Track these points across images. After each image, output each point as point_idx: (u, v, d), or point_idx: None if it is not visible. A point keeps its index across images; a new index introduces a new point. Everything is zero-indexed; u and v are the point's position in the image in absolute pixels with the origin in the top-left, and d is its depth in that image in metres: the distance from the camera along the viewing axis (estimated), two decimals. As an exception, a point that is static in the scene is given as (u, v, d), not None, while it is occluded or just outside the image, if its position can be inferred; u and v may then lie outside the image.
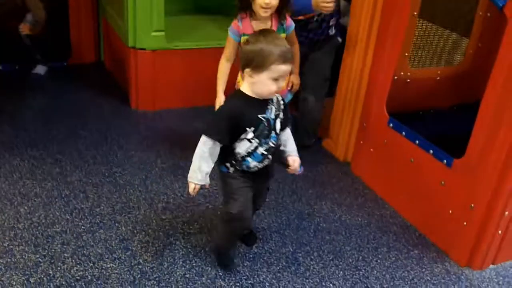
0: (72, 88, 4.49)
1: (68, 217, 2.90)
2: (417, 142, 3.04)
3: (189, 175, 2.43)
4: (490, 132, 2.60)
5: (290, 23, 3.01)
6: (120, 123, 3.97)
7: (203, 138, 2.37)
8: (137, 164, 3.45)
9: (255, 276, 2.64)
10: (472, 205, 2.75)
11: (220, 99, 2.98)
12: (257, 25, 2.88)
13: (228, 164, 2.47)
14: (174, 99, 4.23)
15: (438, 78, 3.70)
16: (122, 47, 4.16)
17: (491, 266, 2.93)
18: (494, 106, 2.57)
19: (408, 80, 3.51)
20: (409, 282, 2.74)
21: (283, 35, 2.97)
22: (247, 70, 2.25)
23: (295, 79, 3.26)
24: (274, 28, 2.93)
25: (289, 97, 3.28)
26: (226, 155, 2.43)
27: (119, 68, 4.50)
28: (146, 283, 2.51)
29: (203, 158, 2.40)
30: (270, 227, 3.01)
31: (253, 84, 2.27)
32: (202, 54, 4.04)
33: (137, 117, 4.08)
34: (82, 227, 2.84)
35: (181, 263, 2.66)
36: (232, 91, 2.61)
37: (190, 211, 3.06)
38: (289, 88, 3.24)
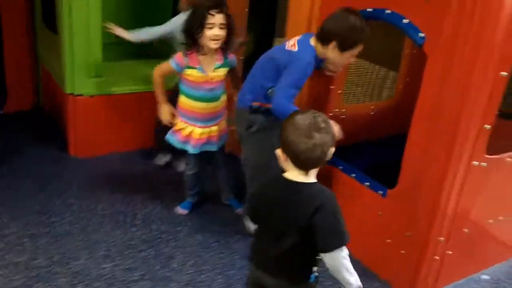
0: (9, 135, 4.38)
1: (1, 272, 2.81)
2: (353, 175, 3.12)
3: None
4: (419, 162, 2.70)
5: (233, 57, 3.18)
6: (60, 171, 3.90)
7: (345, 251, 1.92)
8: (76, 213, 3.39)
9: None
10: (408, 233, 2.82)
11: (166, 108, 3.18)
12: (204, 59, 3.04)
13: (315, 268, 2.07)
14: (114, 143, 4.19)
15: (372, 112, 3.82)
16: (60, 93, 4.12)
17: (432, 292, 3.00)
18: (421, 137, 2.68)
19: (343, 116, 3.60)
20: (353, 314, 2.76)
21: (226, 69, 3.12)
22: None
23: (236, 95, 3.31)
24: (219, 62, 3.09)
25: (222, 142, 3.37)
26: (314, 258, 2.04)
27: (58, 114, 4.44)
28: (88, 335, 2.46)
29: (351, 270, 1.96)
30: (214, 268, 3.00)
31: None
32: (140, 98, 4.04)
33: (76, 164, 4.02)
34: (18, 282, 2.75)
35: (123, 312, 2.62)
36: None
37: (131, 258, 3.01)
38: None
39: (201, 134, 3.18)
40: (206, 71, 3.06)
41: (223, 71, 3.13)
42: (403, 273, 2.93)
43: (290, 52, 2.79)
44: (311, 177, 1.94)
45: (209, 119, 3.19)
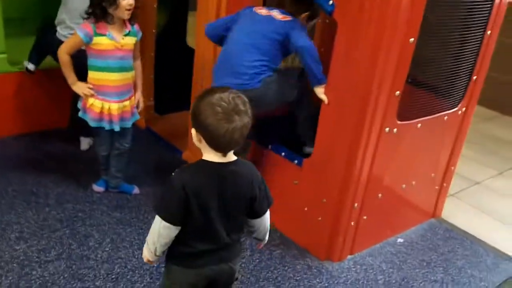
0: None
1: None
2: (269, 146, 3.13)
3: None
4: (332, 130, 2.75)
5: (138, 27, 3.11)
6: (-35, 154, 3.71)
7: None
8: (-16, 196, 3.24)
9: (119, 297, 2.58)
10: (324, 200, 2.88)
11: (81, 84, 3.07)
12: (113, 28, 2.97)
13: None
14: (21, 124, 4.00)
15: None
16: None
17: (349, 256, 3.09)
18: (333, 106, 2.72)
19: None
20: (273, 281, 2.81)
21: (134, 38, 3.07)
22: None
23: (141, 97, 3.29)
24: (127, 29, 3.02)
25: (136, 117, 3.27)
26: None
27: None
28: (0, 319, 2.36)
29: None
30: (132, 244, 2.95)
31: None
32: (48, 75, 3.88)
33: (-18, 146, 3.84)
34: None
35: (38, 293, 2.54)
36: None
37: (46, 238, 2.91)
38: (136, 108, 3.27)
39: (117, 109, 3.09)
40: (116, 37, 2.97)
41: (131, 40, 3.05)
42: (321, 240, 2.99)
43: (285, 21, 2.90)
44: (232, 155, 1.88)
45: (123, 92, 3.10)
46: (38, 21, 3.96)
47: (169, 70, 4.45)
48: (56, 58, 3.14)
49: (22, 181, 3.42)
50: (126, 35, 3.01)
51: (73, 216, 3.13)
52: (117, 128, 3.13)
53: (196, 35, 3.57)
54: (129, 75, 3.10)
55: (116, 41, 2.97)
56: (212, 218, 1.87)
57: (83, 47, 3.01)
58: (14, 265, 2.70)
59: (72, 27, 3.40)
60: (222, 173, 1.85)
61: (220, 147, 1.81)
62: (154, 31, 4.15)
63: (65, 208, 3.19)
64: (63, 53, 3.01)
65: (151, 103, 4.38)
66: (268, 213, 2.02)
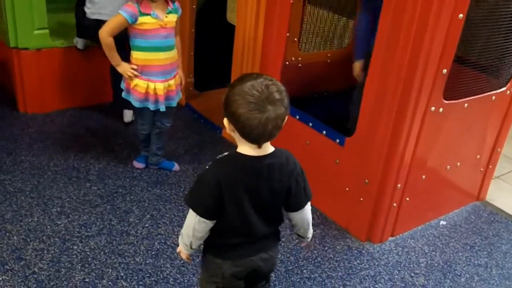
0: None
1: (-47, 232, 2.72)
2: (310, 124, 3.08)
3: None
4: (375, 110, 2.68)
5: (178, 4, 3.08)
6: (8, 128, 3.75)
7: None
8: (28, 170, 3.28)
9: (159, 273, 2.58)
10: (367, 180, 2.82)
11: (126, 66, 3.03)
12: (156, 7, 2.93)
13: None
14: (64, 99, 4.05)
15: (329, 61, 3.78)
16: (4, 48, 3.94)
17: (390, 238, 3.03)
18: (377, 85, 2.64)
19: (300, 65, 3.55)
20: (312, 261, 2.78)
21: (176, 16, 3.04)
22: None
23: (182, 74, 3.27)
24: (170, 7, 2.99)
25: (180, 95, 3.26)
26: None
27: (4, 71, 4.26)
28: (43, 292, 2.40)
29: None
30: (172, 221, 2.96)
31: None
32: (90, 52, 3.90)
33: (26, 121, 3.88)
34: (-31, 240, 2.67)
35: (79, 267, 2.56)
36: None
37: (87, 214, 2.94)
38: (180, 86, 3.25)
39: (163, 89, 3.07)
40: (160, 16, 2.94)
41: (173, 17, 3.02)
42: (362, 221, 2.94)
43: None
44: (268, 146, 1.79)
45: (168, 71, 3.07)
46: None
47: (209, 47, 4.42)
48: (92, 38, 3.14)
49: (63, 156, 3.46)
50: (169, 12, 2.98)
51: (114, 192, 3.15)
52: (163, 108, 3.10)
53: (237, 11, 3.52)
54: (173, 53, 3.08)
55: (160, 19, 2.94)
56: (247, 212, 1.81)
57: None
58: (56, 239, 2.73)
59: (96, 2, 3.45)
60: (257, 168, 1.76)
61: (253, 139, 1.70)
62: (194, 7, 4.11)
63: (105, 183, 3.22)
64: (106, 35, 2.94)
65: (191, 80, 4.36)
66: (308, 209, 1.94)
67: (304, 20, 3.53)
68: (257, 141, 1.72)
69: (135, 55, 3.01)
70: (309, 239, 2.08)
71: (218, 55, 4.21)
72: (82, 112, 4.07)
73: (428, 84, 2.55)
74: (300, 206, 1.90)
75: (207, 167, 1.79)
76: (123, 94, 3.13)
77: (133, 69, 3.01)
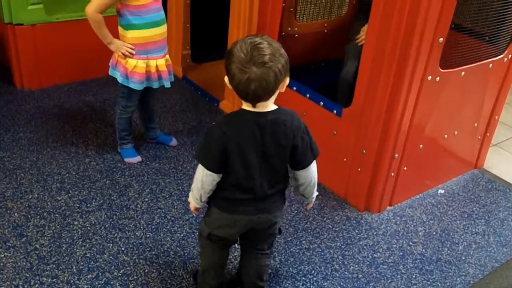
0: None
1: (-46, 209, 2.74)
2: (307, 95, 3.08)
3: None
4: (373, 79, 2.67)
5: None
6: (5, 104, 3.74)
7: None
8: (26, 146, 3.28)
9: (159, 247, 2.61)
10: (364, 151, 2.83)
11: (119, 43, 2.89)
12: None
13: None
14: (61, 74, 4.03)
15: (326, 30, 3.75)
16: (-1, 24, 3.92)
17: (388, 208, 3.05)
18: (373, 56, 2.63)
19: (296, 35, 3.53)
20: (311, 232, 2.80)
21: None
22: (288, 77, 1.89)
23: None
24: None
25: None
26: None
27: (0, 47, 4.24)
28: (45, 268, 2.42)
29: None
30: (171, 195, 2.97)
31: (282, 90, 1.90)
32: (85, 25, 3.85)
33: (23, 97, 3.87)
34: (-30, 218, 2.69)
35: (80, 243, 2.58)
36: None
37: (87, 189, 2.96)
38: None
39: (165, 64, 3.00)
40: None
41: None
42: (360, 191, 2.96)
43: None
44: (271, 105, 1.89)
45: (165, 46, 3.01)
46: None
47: (204, 18, 4.39)
48: None
49: (62, 132, 3.46)
50: None
51: (113, 167, 3.16)
52: (167, 84, 3.04)
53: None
54: (166, 27, 2.99)
55: None
56: (252, 167, 1.91)
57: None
58: (56, 215, 2.75)
59: None
60: (261, 122, 1.86)
61: (242, 96, 1.83)
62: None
63: (104, 158, 3.23)
64: (94, 12, 2.77)
65: (187, 52, 4.34)
66: (314, 167, 2.02)
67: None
68: (246, 99, 1.84)
69: (132, 34, 2.87)
70: (313, 200, 2.18)
71: (214, 26, 4.18)
72: (80, 87, 4.05)
73: (425, 53, 2.54)
74: (306, 164, 1.99)
75: (213, 123, 1.91)
76: (120, 80, 2.98)
77: (128, 47, 2.88)
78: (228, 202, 2.02)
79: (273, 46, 1.77)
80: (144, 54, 2.91)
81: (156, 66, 2.97)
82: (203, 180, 1.96)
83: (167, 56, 3.05)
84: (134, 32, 2.87)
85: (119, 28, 2.92)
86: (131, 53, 2.89)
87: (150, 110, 3.32)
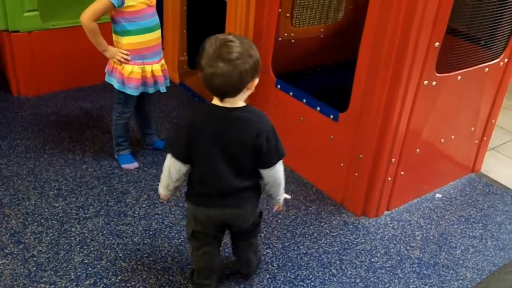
0: None
1: (-49, 217, 2.73)
2: (304, 100, 3.08)
3: None
4: (368, 84, 2.68)
5: None
6: (2, 112, 3.74)
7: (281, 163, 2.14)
8: (23, 153, 3.28)
9: (157, 252, 2.60)
10: (361, 155, 2.83)
11: (114, 50, 2.90)
12: None
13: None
14: (58, 81, 4.03)
15: (322, 36, 3.76)
16: (-5, 31, 3.92)
17: (385, 212, 3.06)
18: (369, 60, 2.64)
19: (293, 40, 3.54)
20: (309, 237, 2.80)
21: None
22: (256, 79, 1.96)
23: None
24: None
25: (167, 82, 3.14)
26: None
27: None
28: (43, 274, 2.42)
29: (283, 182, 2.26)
30: (169, 201, 2.96)
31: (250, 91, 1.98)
32: (82, 32, 3.85)
33: (19, 104, 3.86)
34: (-33, 225, 2.68)
35: (78, 249, 2.58)
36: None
37: (84, 195, 2.95)
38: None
39: (161, 69, 3.01)
40: None
41: None
42: (357, 196, 2.96)
43: None
44: (239, 102, 1.97)
45: (160, 51, 3.02)
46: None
47: (201, 24, 4.39)
48: None
49: (59, 139, 3.46)
50: None
51: (110, 173, 3.16)
52: (163, 89, 3.04)
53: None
54: (160, 32, 3.00)
55: None
56: (215, 161, 1.99)
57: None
58: (54, 222, 2.75)
59: None
60: (227, 118, 1.95)
61: (209, 89, 1.92)
62: (185, -16, 4.09)
63: (101, 165, 3.23)
64: (89, 20, 2.78)
65: (184, 58, 4.34)
66: (279, 168, 2.08)
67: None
68: (212, 93, 1.94)
69: (127, 40, 2.87)
70: (281, 201, 2.24)
71: (210, 32, 4.17)
72: (76, 94, 4.05)
73: (421, 58, 2.55)
74: (270, 164, 2.04)
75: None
76: (117, 86, 2.97)
77: (123, 53, 2.89)
78: (196, 197, 2.13)
79: (243, 45, 1.86)
80: (139, 59, 2.92)
81: (152, 71, 2.97)
82: (170, 168, 2.07)
83: (163, 61, 3.05)
84: (129, 38, 2.88)
85: (114, 35, 2.93)
86: (126, 59, 2.90)
87: (146, 116, 3.32)
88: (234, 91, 1.90)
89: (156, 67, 2.98)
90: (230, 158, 1.99)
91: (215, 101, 1.97)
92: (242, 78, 1.86)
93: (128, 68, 2.91)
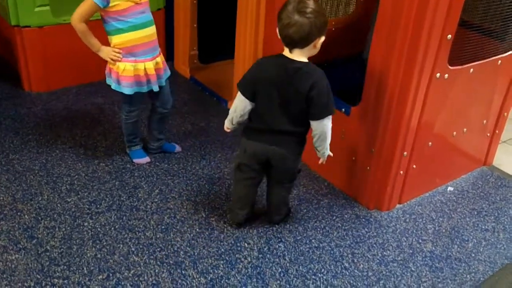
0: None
1: (-35, 212, 2.75)
2: (315, 94, 3.07)
3: None
4: (381, 77, 2.66)
5: None
6: (14, 107, 3.77)
7: (331, 119, 2.49)
8: (35, 148, 3.30)
9: (169, 247, 2.61)
10: (373, 149, 2.82)
11: (107, 49, 2.89)
12: None
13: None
14: (69, 76, 4.05)
15: (334, 29, 3.74)
16: (6, 26, 3.92)
17: (397, 205, 3.05)
18: (381, 53, 2.62)
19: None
20: (321, 231, 2.80)
21: None
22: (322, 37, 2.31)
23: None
24: None
25: (168, 73, 3.12)
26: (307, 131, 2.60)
27: (7, 49, 4.25)
28: (56, 269, 2.43)
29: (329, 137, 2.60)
30: (181, 195, 2.98)
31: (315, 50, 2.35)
32: (94, 27, 3.87)
33: (31, 99, 3.89)
34: (-19, 220, 2.70)
35: (91, 244, 2.59)
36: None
37: (96, 190, 2.97)
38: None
39: (153, 68, 2.95)
40: None
41: None
42: (369, 189, 2.95)
43: None
44: (304, 58, 2.32)
45: (154, 48, 2.96)
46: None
47: (212, 18, 4.39)
48: None
49: (71, 134, 3.48)
50: None
51: (122, 168, 3.17)
52: (156, 88, 2.99)
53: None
54: (153, 29, 2.94)
55: None
56: (272, 101, 2.38)
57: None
58: (67, 216, 2.76)
59: None
60: (291, 67, 2.31)
61: (282, 39, 2.30)
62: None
63: (113, 159, 3.24)
64: (78, 22, 2.79)
65: (195, 53, 4.34)
66: (327, 122, 2.40)
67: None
68: (284, 42, 2.31)
69: (116, 39, 2.87)
70: (325, 155, 2.56)
71: (221, 26, 4.18)
72: (88, 89, 4.07)
73: (433, 51, 2.53)
74: (318, 117, 2.38)
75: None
76: (113, 86, 2.97)
77: (115, 51, 2.87)
78: (250, 130, 2.52)
79: (317, 6, 2.24)
80: (131, 57, 2.89)
81: (145, 69, 2.93)
82: (237, 103, 2.48)
83: (158, 59, 2.99)
84: (119, 37, 2.86)
85: (107, 35, 2.92)
86: (118, 57, 2.89)
87: (159, 119, 3.23)
88: (303, 42, 2.26)
89: (149, 65, 2.93)
90: (285, 102, 2.36)
91: (285, 52, 2.33)
92: (312, 30, 2.22)
93: (121, 66, 2.90)
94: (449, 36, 2.53)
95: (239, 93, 2.44)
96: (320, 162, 2.60)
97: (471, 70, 2.82)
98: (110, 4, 2.77)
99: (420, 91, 2.62)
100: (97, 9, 2.78)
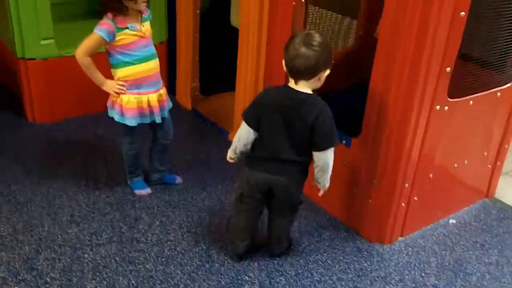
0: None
1: (-35, 243, 2.74)
2: (316, 126, 3.08)
3: None
4: (381, 109, 2.67)
5: (149, 11, 2.98)
6: (17, 138, 3.79)
7: (333, 150, 2.51)
8: (37, 179, 3.30)
9: (169, 279, 2.60)
10: (374, 181, 2.82)
11: (110, 83, 2.93)
12: (131, 19, 2.83)
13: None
14: (72, 108, 4.08)
15: (333, 61, 3.76)
16: (12, 58, 3.97)
17: (400, 238, 3.03)
18: (381, 86, 2.64)
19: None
20: (322, 264, 2.78)
21: (149, 22, 2.97)
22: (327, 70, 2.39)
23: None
24: (144, 14, 2.91)
25: (170, 105, 3.15)
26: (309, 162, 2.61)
27: (12, 80, 4.29)
28: (55, 301, 2.42)
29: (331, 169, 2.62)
30: (181, 227, 2.97)
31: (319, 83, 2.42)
32: (96, 59, 3.91)
33: (34, 130, 3.91)
34: (-19, 252, 2.69)
35: (90, 276, 2.58)
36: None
37: (97, 222, 2.96)
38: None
39: (157, 100, 2.99)
40: (137, 27, 2.85)
41: (148, 24, 2.94)
42: (371, 222, 2.94)
43: None
44: (308, 90, 2.38)
45: (157, 81, 3.01)
46: (85, 4, 3.97)
47: (213, 51, 4.44)
48: None
49: (72, 165, 3.49)
50: (144, 21, 2.91)
51: (123, 199, 3.17)
52: (158, 119, 3.01)
53: (240, 15, 3.53)
54: (157, 62, 2.99)
55: (138, 30, 2.85)
56: (275, 130, 2.42)
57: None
58: (67, 248, 2.75)
59: None
60: (296, 97, 2.37)
61: (289, 70, 2.36)
62: (198, 11, 4.12)
63: (114, 191, 3.24)
64: (83, 56, 2.84)
65: (196, 85, 4.37)
66: (329, 154, 2.43)
67: (307, 21, 3.53)
68: (291, 74, 2.37)
69: (120, 72, 2.90)
70: (326, 188, 2.56)
71: (222, 59, 4.22)
72: (91, 120, 4.08)
73: (432, 83, 2.55)
74: (322, 147, 2.41)
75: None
76: (117, 118, 3.00)
77: (119, 84, 2.91)
78: (253, 160, 2.54)
79: (323, 39, 2.33)
80: (135, 89, 2.93)
81: (148, 101, 2.96)
82: (241, 132, 2.51)
83: (161, 91, 3.02)
84: (124, 70, 2.90)
85: (111, 68, 2.95)
86: (122, 90, 2.91)
87: (158, 150, 3.25)
88: (309, 74, 2.32)
89: (152, 97, 2.96)
90: (289, 129, 2.40)
91: (290, 83, 2.39)
92: (318, 62, 2.29)
93: (124, 98, 2.93)
94: (448, 68, 2.56)
95: (243, 122, 2.48)
96: (320, 194, 2.59)
97: (471, 102, 2.84)
98: (116, 38, 2.81)
99: (420, 123, 2.63)
100: (103, 43, 2.82)
